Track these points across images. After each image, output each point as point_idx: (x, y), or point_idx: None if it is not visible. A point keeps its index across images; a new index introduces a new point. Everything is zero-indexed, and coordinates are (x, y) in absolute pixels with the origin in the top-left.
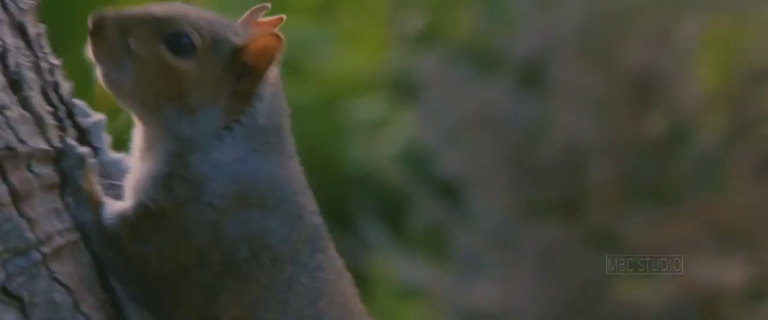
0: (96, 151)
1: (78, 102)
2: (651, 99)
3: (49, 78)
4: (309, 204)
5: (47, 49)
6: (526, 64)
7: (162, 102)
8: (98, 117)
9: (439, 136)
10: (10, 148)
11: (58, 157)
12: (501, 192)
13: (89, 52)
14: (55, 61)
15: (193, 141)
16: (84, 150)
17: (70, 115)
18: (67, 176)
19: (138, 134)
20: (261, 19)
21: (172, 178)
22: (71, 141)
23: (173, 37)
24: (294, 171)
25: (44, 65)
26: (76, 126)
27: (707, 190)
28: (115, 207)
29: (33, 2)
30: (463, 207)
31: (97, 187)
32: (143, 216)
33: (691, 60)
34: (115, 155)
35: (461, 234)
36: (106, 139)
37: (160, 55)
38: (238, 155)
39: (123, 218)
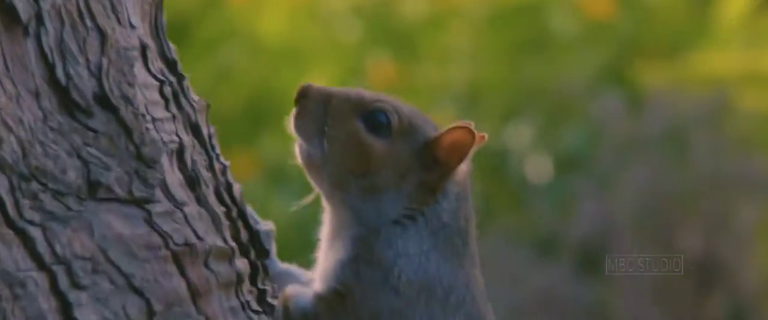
0: (268, 257)
1: (248, 208)
2: (711, 283)
3: (221, 178)
4: (489, 313)
5: (218, 150)
6: (585, 246)
7: (349, 178)
8: (268, 225)
9: (499, 317)
10: (189, 244)
11: (234, 255)
12: None
13: (290, 122)
14: (226, 163)
15: (377, 225)
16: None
17: (242, 216)
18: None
19: (325, 225)
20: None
21: (359, 263)
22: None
23: (372, 114)
24: (474, 277)
25: (217, 165)
26: (248, 227)
27: None
28: (307, 290)
29: (204, 102)
30: None
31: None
32: (335, 299)
33: (751, 244)
34: (284, 266)
35: None
36: (274, 250)
37: (356, 130)
38: (422, 248)
39: (319, 298)
